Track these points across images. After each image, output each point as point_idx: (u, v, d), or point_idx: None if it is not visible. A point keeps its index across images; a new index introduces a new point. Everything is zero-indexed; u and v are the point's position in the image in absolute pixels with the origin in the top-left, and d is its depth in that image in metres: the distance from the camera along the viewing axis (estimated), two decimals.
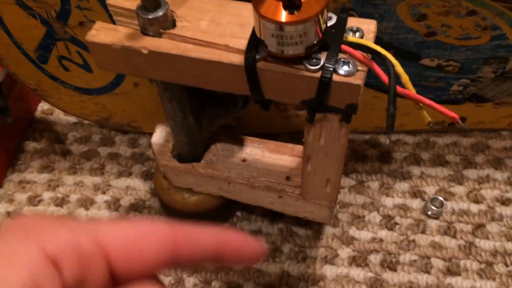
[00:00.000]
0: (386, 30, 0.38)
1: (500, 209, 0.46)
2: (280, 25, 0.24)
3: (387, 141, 0.49)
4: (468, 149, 0.50)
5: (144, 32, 0.29)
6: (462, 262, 0.44)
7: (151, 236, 0.17)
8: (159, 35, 0.29)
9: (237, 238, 0.19)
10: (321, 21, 0.25)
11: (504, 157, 0.49)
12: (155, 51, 0.29)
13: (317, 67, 0.26)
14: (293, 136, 0.49)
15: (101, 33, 0.29)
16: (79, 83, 0.46)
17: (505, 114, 0.48)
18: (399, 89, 0.26)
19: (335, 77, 0.26)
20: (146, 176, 0.51)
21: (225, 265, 0.18)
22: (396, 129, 0.50)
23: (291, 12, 0.24)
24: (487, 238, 0.45)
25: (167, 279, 0.44)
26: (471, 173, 0.49)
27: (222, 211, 0.46)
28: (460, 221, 0.46)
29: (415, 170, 0.49)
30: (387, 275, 0.43)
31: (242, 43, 0.28)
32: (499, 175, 0.48)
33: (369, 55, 0.27)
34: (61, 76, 0.46)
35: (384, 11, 0.37)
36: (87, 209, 0.49)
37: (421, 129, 0.51)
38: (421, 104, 0.27)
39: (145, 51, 0.29)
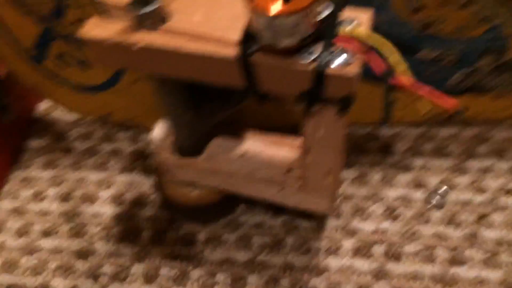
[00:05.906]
0: (380, 24, 0.38)
1: (504, 198, 0.46)
2: (272, 17, 0.24)
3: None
4: (470, 140, 0.50)
5: (137, 27, 0.29)
6: (467, 252, 0.43)
7: None
8: (152, 29, 0.29)
9: None
10: (315, 12, 0.25)
11: (506, 147, 0.49)
12: (147, 46, 0.29)
13: (311, 59, 0.26)
14: (294, 128, 0.48)
15: (94, 29, 0.29)
16: (79, 80, 0.46)
17: (505, 105, 0.47)
18: (394, 80, 0.26)
19: (328, 69, 0.26)
20: (149, 171, 0.51)
21: None
22: (396, 121, 0.49)
23: (285, 1, 0.24)
24: (491, 227, 0.44)
25: (172, 272, 0.44)
26: (473, 163, 0.48)
27: (224, 204, 0.46)
28: (464, 211, 0.45)
29: (417, 162, 0.49)
30: (392, 265, 0.43)
31: (236, 37, 0.27)
32: (502, 165, 0.48)
33: (364, 45, 0.26)
34: (60, 74, 0.46)
35: (379, 4, 0.36)
36: (91, 204, 0.49)
37: (421, 121, 0.50)
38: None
39: (137, 47, 0.29)
